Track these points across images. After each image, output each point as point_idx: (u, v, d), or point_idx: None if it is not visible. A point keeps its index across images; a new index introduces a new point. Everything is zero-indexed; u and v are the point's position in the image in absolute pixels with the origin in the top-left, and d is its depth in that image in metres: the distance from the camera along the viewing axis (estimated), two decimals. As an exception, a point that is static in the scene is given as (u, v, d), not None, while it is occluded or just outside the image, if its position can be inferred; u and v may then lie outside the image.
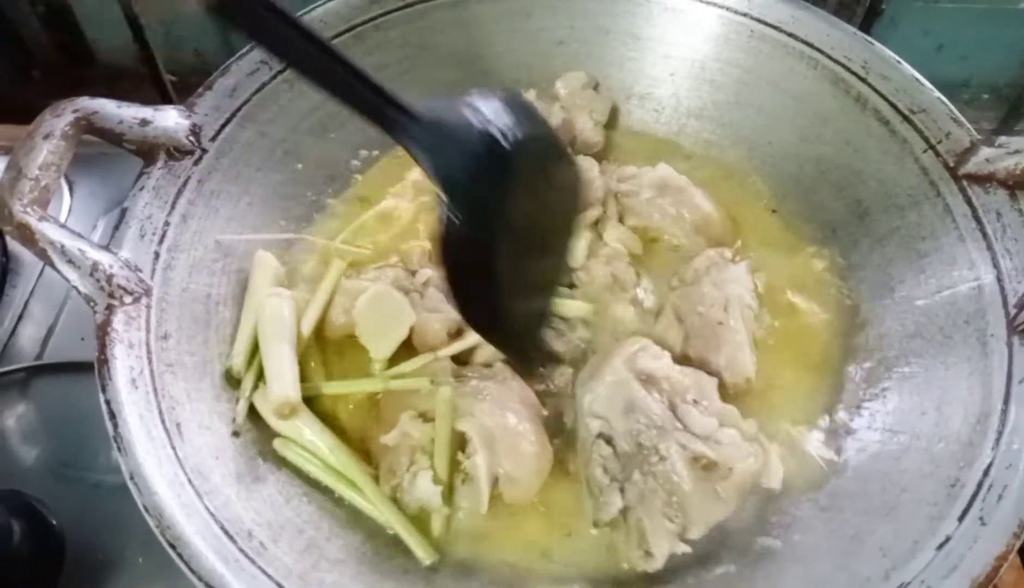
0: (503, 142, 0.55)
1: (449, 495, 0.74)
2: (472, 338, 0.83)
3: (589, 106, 1.02)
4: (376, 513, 0.74)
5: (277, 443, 0.77)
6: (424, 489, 0.73)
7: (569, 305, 0.86)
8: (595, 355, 0.83)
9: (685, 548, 0.71)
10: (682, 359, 0.82)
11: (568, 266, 0.88)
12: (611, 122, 1.06)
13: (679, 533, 0.72)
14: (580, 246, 0.89)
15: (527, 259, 0.67)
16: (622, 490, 0.72)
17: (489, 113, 0.55)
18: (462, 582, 0.72)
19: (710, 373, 0.81)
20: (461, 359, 0.83)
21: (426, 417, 0.76)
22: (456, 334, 0.84)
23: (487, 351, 0.83)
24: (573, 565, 0.74)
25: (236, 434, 0.75)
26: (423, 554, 0.72)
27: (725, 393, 0.80)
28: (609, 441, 0.74)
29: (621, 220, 0.95)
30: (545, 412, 0.80)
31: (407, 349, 0.83)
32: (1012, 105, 1.36)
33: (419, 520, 0.74)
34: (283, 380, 0.76)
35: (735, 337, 0.82)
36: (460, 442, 0.75)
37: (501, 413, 0.75)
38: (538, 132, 0.60)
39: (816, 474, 0.78)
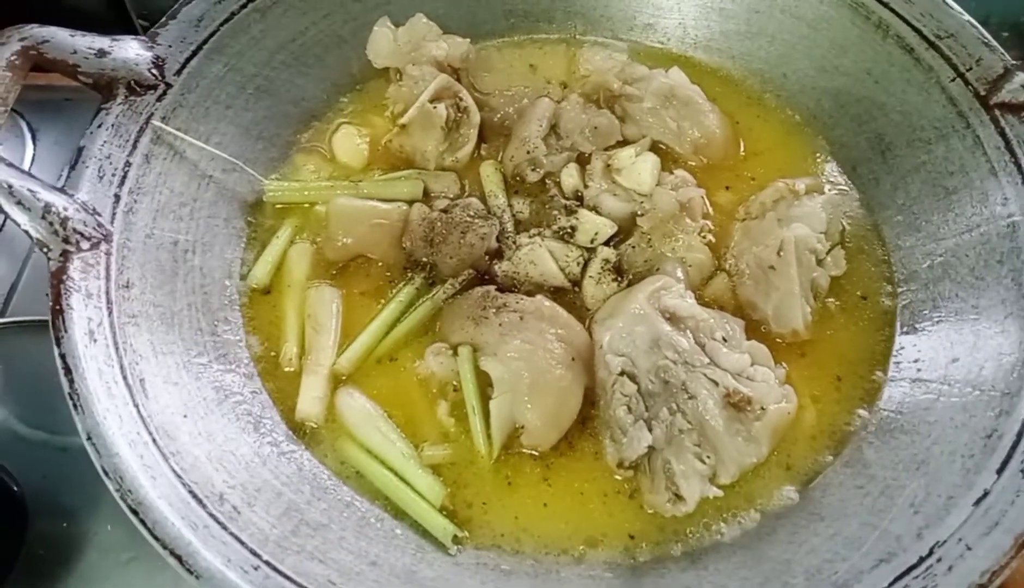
0: None
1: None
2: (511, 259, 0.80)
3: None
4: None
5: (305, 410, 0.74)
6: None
7: (593, 220, 0.81)
8: (613, 294, 0.77)
9: (716, 491, 0.67)
10: (732, 297, 0.78)
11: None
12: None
13: (710, 476, 0.67)
14: (647, 170, 0.83)
15: None
16: (649, 428, 0.67)
17: None
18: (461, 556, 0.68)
19: (756, 319, 0.76)
20: (504, 285, 0.79)
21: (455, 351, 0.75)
22: (495, 253, 0.81)
23: (531, 279, 0.79)
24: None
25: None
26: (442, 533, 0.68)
27: (772, 343, 0.75)
28: (633, 378, 0.69)
29: (622, 123, 0.88)
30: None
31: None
32: (1034, 43, 1.28)
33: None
34: (311, 400, 0.75)
35: (786, 284, 0.76)
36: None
37: (531, 352, 0.70)
38: None
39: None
